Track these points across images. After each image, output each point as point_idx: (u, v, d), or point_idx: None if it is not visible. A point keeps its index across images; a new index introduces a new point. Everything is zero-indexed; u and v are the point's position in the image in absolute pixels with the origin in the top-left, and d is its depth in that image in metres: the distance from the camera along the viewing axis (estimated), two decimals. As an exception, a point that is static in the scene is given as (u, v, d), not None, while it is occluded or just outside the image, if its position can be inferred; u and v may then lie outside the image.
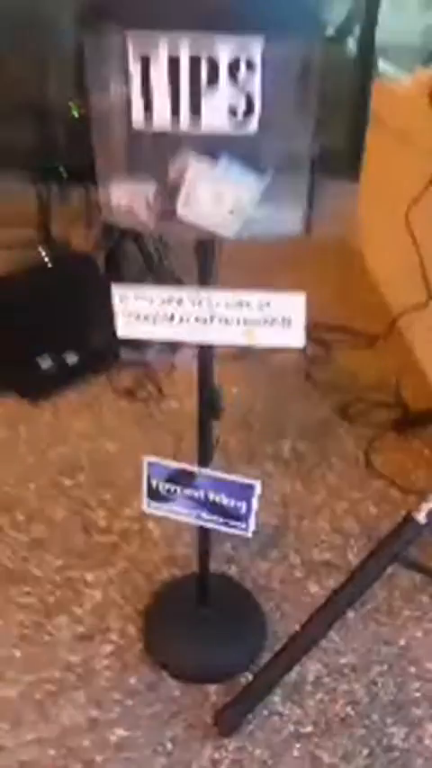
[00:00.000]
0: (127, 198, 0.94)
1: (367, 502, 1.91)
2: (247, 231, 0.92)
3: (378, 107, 3.43)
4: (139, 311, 1.06)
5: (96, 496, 1.90)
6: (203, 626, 1.48)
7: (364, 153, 3.59)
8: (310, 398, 2.39)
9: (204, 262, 1.04)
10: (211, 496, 1.25)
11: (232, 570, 1.67)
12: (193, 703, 1.36)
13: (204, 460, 1.25)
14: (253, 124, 0.86)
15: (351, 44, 4.93)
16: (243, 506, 1.24)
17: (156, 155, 0.91)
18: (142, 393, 2.41)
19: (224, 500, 1.25)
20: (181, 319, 1.05)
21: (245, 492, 1.23)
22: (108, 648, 1.47)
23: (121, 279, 2.76)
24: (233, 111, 0.83)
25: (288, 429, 2.21)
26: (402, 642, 1.50)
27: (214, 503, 1.26)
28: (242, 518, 1.26)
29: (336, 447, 2.14)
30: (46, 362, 2.40)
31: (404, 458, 2.10)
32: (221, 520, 1.27)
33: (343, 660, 1.46)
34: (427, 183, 2.34)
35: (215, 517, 1.27)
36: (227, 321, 1.03)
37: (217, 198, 0.88)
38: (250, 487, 1.22)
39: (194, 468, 1.24)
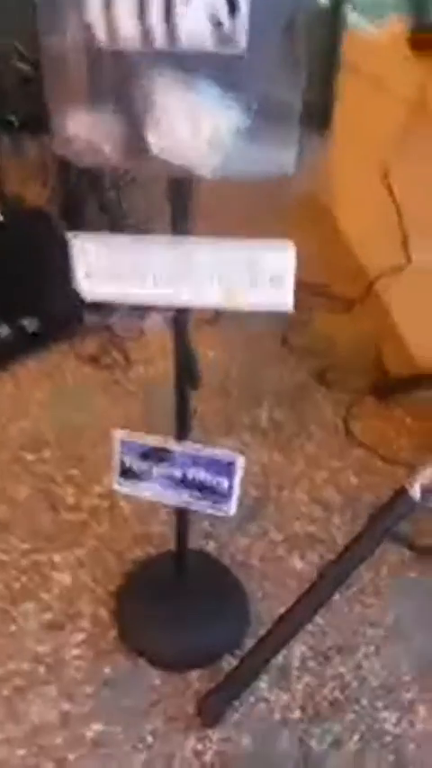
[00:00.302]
0: (86, 130, 0.80)
1: (347, 471, 1.83)
2: (228, 169, 0.78)
3: (352, 57, 3.26)
4: (103, 268, 0.92)
5: (63, 472, 1.78)
6: (182, 608, 1.38)
7: (334, 105, 3.43)
8: (287, 364, 2.29)
9: (178, 206, 0.90)
10: (190, 474, 1.14)
11: (210, 546, 1.58)
12: (174, 692, 1.28)
13: (182, 435, 1.13)
14: (239, 40, 0.72)
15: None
16: (224, 483, 1.14)
17: (120, 78, 0.77)
18: (108, 360, 2.27)
19: (204, 477, 1.14)
20: (154, 278, 0.92)
21: (226, 468, 1.12)
22: (79, 636, 1.37)
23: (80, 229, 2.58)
24: (215, 22, 0.69)
25: (265, 396, 2.11)
26: (389, 621, 1.44)
27: (193, 480, 1.15)
28: (224, 496, 1.16)
29: (314, 414, 2.05)
30: (3, 330, 2.23)
31: (384, 425, 2.02)
32: (201, 499, 1.17)
33: (329, 642, 1.39)
34: (408, 131, 2.21)
35: (194, 496, 1.17)
36: (207, 279, 0.90)
37: (193, 127, 0.74)
38: (232, 463, 1.12)
39: (171, 445, 1.12)
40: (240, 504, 1.65)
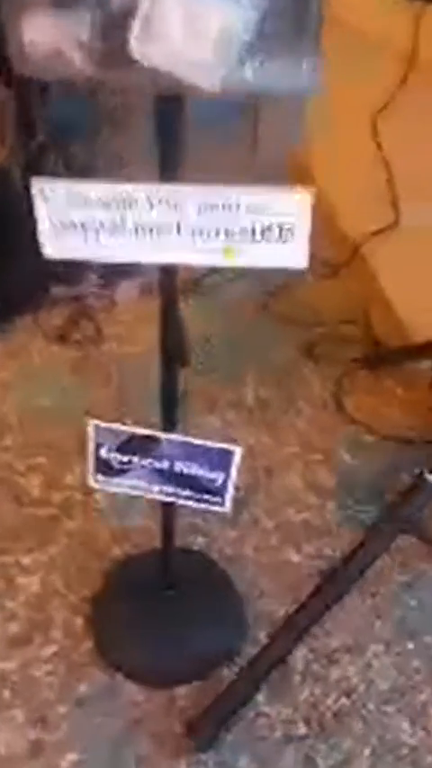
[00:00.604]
0: (50, 35, 0.61)
1: (341, 450, 1.69)
2: (232, 83, 0.60)
3: (336, 8, 3.04)
4: (73, 219, 0.74)
5: (28, 461, 1.59)
6: (168, 614, 1.23)
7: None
8: (271, 336, 2.12)
9: (168, 136, 0.71)
10: (179, 467, 0.97)
11: (198, 541, 1.42)
12: (159, 710, 1.13)
13: (169, 422, 0.96)
14: None
15: None
16: (219, 478, 0.97)
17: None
18: (77, 335, 2.06)
19: (195, 470, 0.97)
20: (135, 231, 0.73)
21: (222, 459, 0.96)
22: (50, 650, 1.20)
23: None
24: None
25: (249, 371, 1.94)
26: (398, 614, 1.31)
27: (182, 474, 0.98)
28: (217, 491, 0.99)
29: (302, 390, 1.89)
30: (-42, 301, 2.01)
31: (377, 399, 1.88)
32: (191, 494, 1.00)
33: (334, 643, 1.25)
34: (398, 84, 2.03)
35: (184, 491, 1.00)
36: (200, 233, 0.72)
37: (194, 27, 0.56)
38: (228, 454, 0.95)
39: (158, 434, 0.95)
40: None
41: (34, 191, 0.73)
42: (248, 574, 1.36)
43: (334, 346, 2.05)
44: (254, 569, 1.37)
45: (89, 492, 1.50)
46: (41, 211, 0.74)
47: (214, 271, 2.38)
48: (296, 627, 1.07)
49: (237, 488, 1.48)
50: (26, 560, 1.35)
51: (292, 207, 0.69)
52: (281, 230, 0.71)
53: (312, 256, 2.34)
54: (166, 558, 1.21)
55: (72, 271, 2.32)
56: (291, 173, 3.18)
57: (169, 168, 0.72)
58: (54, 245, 0.76)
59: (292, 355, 2.03)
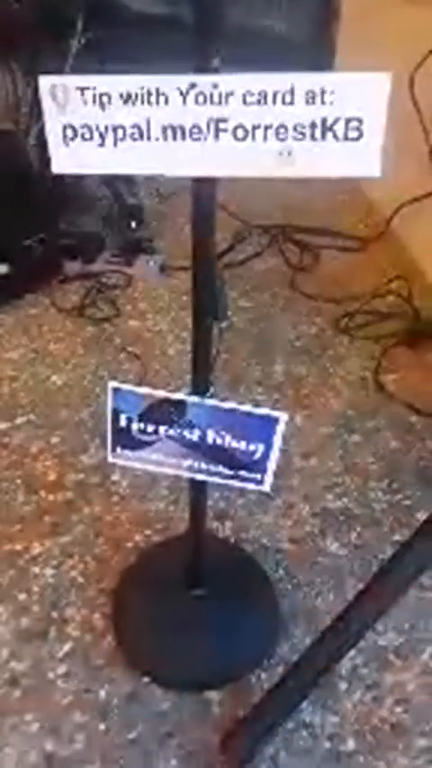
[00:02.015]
0: None
1: (384, 432, 1.54)
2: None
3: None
4: (88, 122, 0.59)
5: (41, 442, 1.46)
6: (196, 610, 1.09)
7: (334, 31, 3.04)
8: (300, 312, 1.97)
9: (202, 23, 0.57)
10: (211, 438, 0.83)
11: (226, 529, 1.28)
12: (191, 719, 0.99)
13: (200, 385, 0.82)
14: None
15: None
16: (259, 450, 0.83)
17: None
18: (93, 311, 1.93)
19: (230, 442, 0.83)
20: (164, 134, 0.59)
21: (262, 429, 0.81)
22: (66, 647, 1.07)
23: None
24: None
25: (278, 348, 1.80)
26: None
27: (215, 446, 0.84)
28: (256, 466, 0.85)
29: (337, 368, 1.75)
30: (-33, 275, 1.88)
31: (420, 376, 1.72)
32: (225, 470, 0.86)
33: (383, 642, 1.10)
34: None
35: (216, 467, 0.86)
36: (246, 131, 0.58)
37: None
38: (271, 421, 0.81)
39: (186, 397, 0.81)
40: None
41: (43, 90, 0.59)
42: (283, 564, 1.21)
43: (368, 321, 1.90)
44: (289, 559, 1.22)
45: (107, 474, 1.37)
46: (52, 115, 0.60)
47: (239, 241, 2.25)
48: (347, 631, 0.92)
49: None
50: (37, 549, 1.22)
51: (364, 94, 0.54)
52: (348, 125, 0.56)
53: (337, 231, 2.19)
54: (195, 548, 1.07)
55: (87, 246, 2.20)
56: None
57: (207, 45, 0.57)
58: (66, 156, 0.62)
59: (324, 331, 1.88)
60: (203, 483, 0.96)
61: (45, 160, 2.13)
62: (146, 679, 1.03)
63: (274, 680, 0.97)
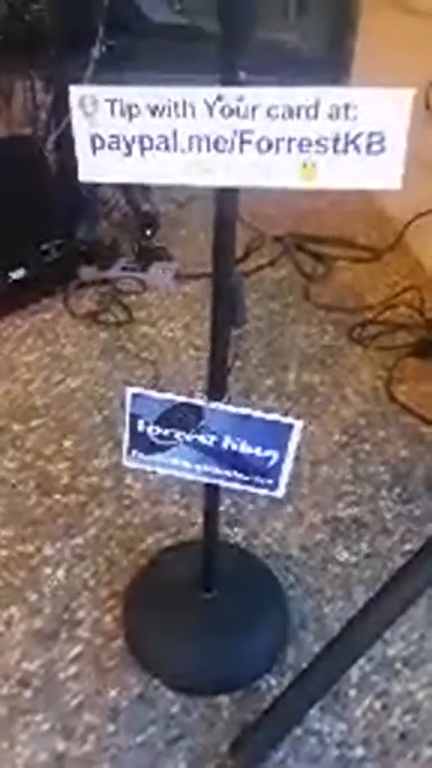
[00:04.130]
0: None
1: (395, 442, 1.54)
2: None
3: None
4: (116, 132, 0.61)
5: (55, 445, 1.48)
6: (207, 614, 1.10)
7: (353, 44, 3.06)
8: (312, 321, 1.98)
9: (230, 37, 0.58)
10: (226, 443, 0.84)
11: (237, 535, 1.29)
12: (200, 723, 1.00)
13: (216, 389, 0.83)
14: None
15: None
16: (273, 456, 0.84)
17: None
18: (107, 317, 1.95)
19: (246, 447, 0.84)
20: (189, 145, 0.61)
21: (277, 435, 0.82)
22: (77, 649, 1.08)
23: (75, 173, 2.25)
24: None
25: (291, 357, 1.81)
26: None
27: (230, 452, 0.85)
28: (271, 472, 0.86)
29: (349, 377, 1.75)
30: (-16, 279, 1.91)
31: (430, 387, 1.73)
32: (240, 476, 0.87)
33: (392, 651, 1.10)
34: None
35: (231, 472, 0.87)
36: (270, 145, 0.59)
37: None
38: (286, 428, 0.82)
39: (203, 402, 0.82)
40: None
41: (74, 100, 0.61)
42: (293, 571, 1.22)
43: (381, 331, 1.91)
44: (299, 566, 1.23)
45: (120, 477, 1.38)
46: (80, 125, 0.62)
47: (253, 250, 2.27)
48: (356, 639, 0.93)
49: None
50: (49, 551, 1.23)
51: (387, 110, 0.56)
52: (370, 139, 0.57)
53: (351, 243, 2.20)
54: (207, 552, 1.08)
55: (102, 252, 2.22)
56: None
57: (231, 68, 0.59)
58: (92, 165, 0.64)
59: (337, 341, 1.89)
60: (217, 487, 0.97)
61: (62, 166, 2.18)
62: (156, 681, 1.04)
63: (284, 686, 0.98)
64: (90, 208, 2.35)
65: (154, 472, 1.39)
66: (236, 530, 1.30)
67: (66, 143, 2.21)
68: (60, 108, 2.17)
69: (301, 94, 0.57)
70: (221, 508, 1.19)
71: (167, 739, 0.97)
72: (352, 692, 1.04)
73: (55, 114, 2.19)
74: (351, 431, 1.57)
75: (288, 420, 0.81)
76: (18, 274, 1.95)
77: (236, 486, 0.88)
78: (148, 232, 2.31)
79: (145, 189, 2.40)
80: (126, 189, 2.36)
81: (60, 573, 1.20)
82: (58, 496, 1.35)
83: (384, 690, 1.05)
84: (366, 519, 1.35)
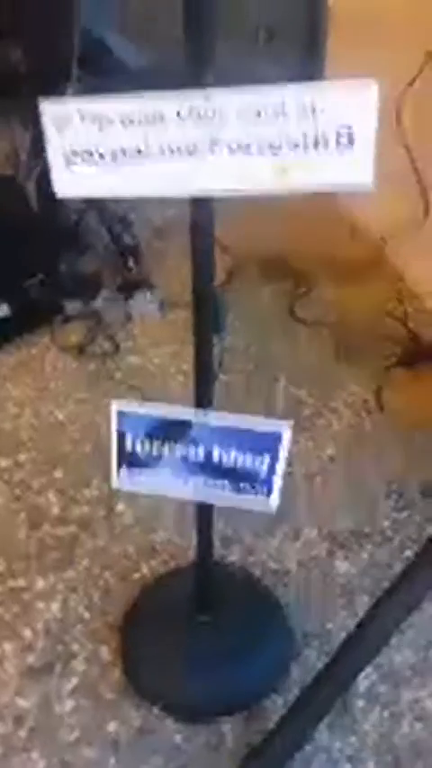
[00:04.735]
0: None
1: (389, 451, 1.53)
2: None
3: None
4: (89, 144, 0.62)
5: (44, 477, 1.45)
6: (206, 638, 1.07)
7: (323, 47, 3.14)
8: (297, 337, 1.99)
9: (198, 27, 0.59)
10: (216, 454, 0.83)
11: (233, 553, 1.26)
12: (205, 751, 0.96)
13: (204, 399, 0.82)
14: None
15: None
16: (263, 465, 0.83)
17: None
18: (93, 348, 1.95)
19: (235, 458, 0.83)
20: (162, 154, 0.61)
21: (267, 443, 0.81)
22: (73, 682, 1.05)
23: (56, 209, 2.27)
24: None
25: (278, 373, 1.81)
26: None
27: (220, 465, 0.84)
28: (262, 484, 0.85)
29: (338, 390, 1.75)
30: (-32, 317, 1.90)
31: (421, 395, 1.72)
32: (231, 488, 0.86)
33: (399, 659, 1.08)
34: (424, 60, 1.92)
35: (222, 485, 0.86)
36: (241, 148, 0.60)
37: None
38: (275, 435, 0.81)
39: (191, 412, 0.81)
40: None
41: (45, 115, 0.62)
42: (292, 587, 1.19)
43: (366, 345, 1.92)
44: (298, 581, 1.21)
45: (111, 506, 1.36)
46: (52, 139, 0.62)
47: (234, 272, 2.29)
48: (360, 648, 0.90)
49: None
50: (41, 584, 1.20)
51: (353, 102, 0.57)
52: (339, 134, 0.58)
53: (331, 259, 2.21)
54: (202, 574, 1.06)
55: (87, 285, 2.23)
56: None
57: (201, 64, 0.59)
58: (67, 180, 0.64)
59: (323, 356, 1.90)
60: (210, 504, 0.95)
61: (43, 204, 2.20)
62: (156, 711, 1.00)
63: (290, 704, 0.95)
64: (72, 242, 2.37)
65: (146, 498, 1.38)
66: (232, 548, 1.27)
67: (46, 181, 2.25)
68: (39, 147, 2.21)
69: (267, 93, 0.58)
70: (216, 528, 1.17)
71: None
72: (360, 703, 1.02)
73: (34, 153, 2.23)
74: (343, 442, 1.56)
75: (276, 427, 0.80)
76: (2, 311, 1.95)
77: (228, 501, 0.87)
78: (131, 263, 2.33)
79: (126, 223, 2.43)
80: (106, 222, 2.38)
81: (54, 606, 1.17)
82: (48, 528, 1.32)
83: (393, 699, 1.02)
84: (364, 529, 1.33)
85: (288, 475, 1.41)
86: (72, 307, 2.13)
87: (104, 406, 1.66)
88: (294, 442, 1.50)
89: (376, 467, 1.48)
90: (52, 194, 2.12)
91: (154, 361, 1.90)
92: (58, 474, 1.46)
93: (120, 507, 1.36)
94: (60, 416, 1.66)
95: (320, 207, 2.81)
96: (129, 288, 2.24)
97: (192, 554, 1.21)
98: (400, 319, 1.98)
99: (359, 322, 1.99)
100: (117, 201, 2.39)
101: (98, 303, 2.16)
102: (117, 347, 1.95)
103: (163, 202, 0.67)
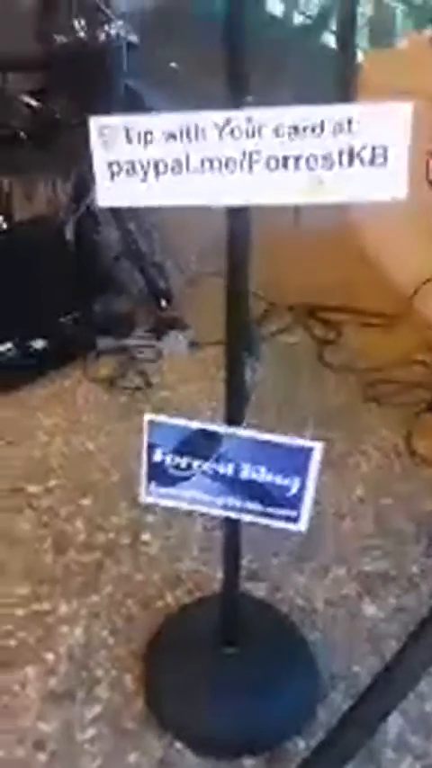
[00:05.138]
0: None
1: (418, 496, 1.50)
2: None
3: (373, 75, 3.13)
4: (132, 158, 0.65)
5: (72, 505, 1.46)
6: (231, 672, 1.04)
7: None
8: (327, 382, 1.99)
9: (234, 62, 0.63)
10: (245, 472, 0.83)
11: (260, 588, 1.24)
12: (226, 788, 0.92)
13: (234, 418, 0.83)
14: None
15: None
16: (294, 484, 0.83)
17: None
18: (125, 383, 1.98)
19: (265, 476, 0.83)
20: (202, 167, 0.65)
21: (297, 461, 0.81)
22: (95, 710, 1.02)
23: (93, 250, 2.35)
24: None
25: (307, 415, 1.81)
26: None
27: (249, 482, 0.84)
28: (292, 503, 0.84)
29: (367, 434, 1.74)
30: (6, 349, 1.96)
31: (451, 442, 1.70)
32: (260, 507, 0.85)
33: (428, 707, 1.03)
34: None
35: (251, 504, 0.85)
36: (278, 162, 0.63)
37: None
38: (305, 453, 0.81)
39: (221, 427, 0.82)
40: (292, 537, 1.35)
41: (93, 130, 0.66)
42: (319, 627, 1.16)
43: (396, 390, 1.91)
44: (325, 621, 1.17)
45: (137, 534, 1.36)
46: (99, 154, 0.66)
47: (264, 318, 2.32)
48: (388, 690, 0.87)
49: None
50: (65, 609, 1.19)
51: (388, 123, 0.59)
52: (374, 153, 0.60)
53: (360, 309, 2.24)
54: (229, 604, 1.04)
55: (120, 324, 2.29)
56: (334, 223, 3.18)
57: (238, 87, 0.64)
58: (111, 191, 0.67)
59: (351, 399, 1.90)
60: (237, 528, 0.94)
61: (81, 247, 2.29)
62: (178, 744, 0.97)
63: (314, 747, 0.91)
64: (107, 284, 2.45)
65: (172, 528, 1.37)
66: (259, 584, 1.25)
67: (84, 225, 2.35)
68: (79, 193, 2.32)
69: (306, 113, 0.61)
70: (243, 562, 1.16)
71: (192, 806, 0.90)
72: (390, 754, 0.97)
73: (74, 198, 2.34)
74: (372, 484, 1.54)
75: (308, 443, 0.80)
76: (38, 345, 2.00)
77: (256, 518, 0.86)
78: (164, 304, 2.39)
79: (160, 267, 2.51)
80: (141, 266, 2.46)
81: (77, 631, 1.15)
82: (74, 554, 1.32)
83: (425, 750, 0.97)
84: (393, 573, 1.29)
85: (317, 514, 1.42)
86: (104, 343, 2.18)
87: (134, 437, 1.70)
88: (323, 481, 1.52)
89: (406, 510, 1.45)
90: (89, 238, 2.20)
91: (184, 396, 1.92)
92: (85, 501, 1.47)
93: (146, 536, 1.35)
94: (90, 446, 1.68)
95: (350, 258, 2.89)
96: (161, 328, 2.30)
97: (217, 585, 1.20)
98: (430, 366, 1.98)
99: (388, 368, 2.00)
100: (153, 252, 2.48)
101: (130, 340, 2.22)
102: (148, 382, 1.98)
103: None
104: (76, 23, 2.14)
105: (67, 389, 1.95)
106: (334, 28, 4.83)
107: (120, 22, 2.21)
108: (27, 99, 2.44)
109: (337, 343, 2.23)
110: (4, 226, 2.03)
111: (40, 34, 2.20)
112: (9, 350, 1.96)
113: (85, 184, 2.36)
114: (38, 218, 2.23)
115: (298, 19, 5.31)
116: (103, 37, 2.15)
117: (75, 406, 1.86)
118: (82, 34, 2.14)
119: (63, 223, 2.28)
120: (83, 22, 2.17)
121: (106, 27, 2.18)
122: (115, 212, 2.39)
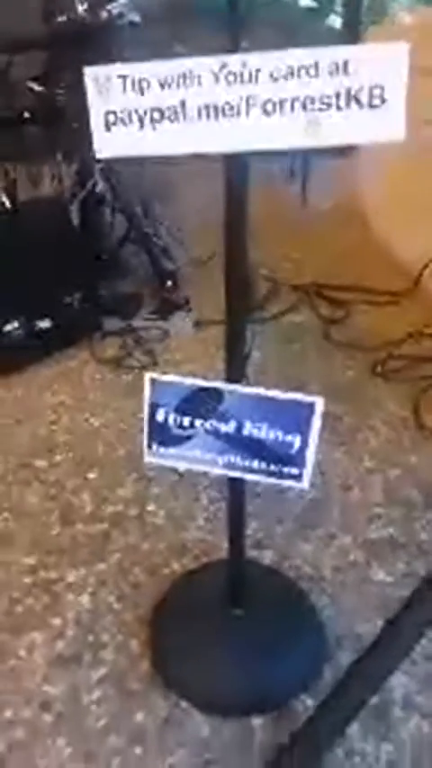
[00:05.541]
0: None
1: (428, 466, 1.50)
2: None
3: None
4: (129, 105, 0.65)
5: (78, 478, 1.47)
6: (237, 633, 1.04)
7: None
8: (334, 358, 1.99)
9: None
10: (247, 428, 0.83)
11: (266, 556, 1.24)
12: (232, 746, 0.93)
13: (235, 374, 0.83)
14: None
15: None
16: (296, 440, 0.83)
17: None
18: (131, 362, 1.98)
19: (267, 432, 0.83)
20: (198, 114, 0.64)
21: (298, 416, 0.81)
22: (101, 672, 1.03)
23: (98, 232, 2.35)
24: None
25: (315, 391, 1.79)
26: None
27: (251, 439, 0.84)
28: (294, 460, 0.84)
29: (375, 408, 1.73)
30: (13, 329, 1.97)
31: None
32: (263, 465, 0.85)
33: (436, 668, 1.03)
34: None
35: (253, 462, 0.85)
36: (275, 106, 0.62)
37: None
38: (306, 408, 0.81)
39: (222, 385, 0.82)
40: (295, 505, 1.35)
41: (88, 80, 0.66)
42: (327, 592, 1.16)
43: (403, 365, 1.90)
44: (333, 587, 1.17)
45: (143, 505, 1.36)
46: (96, 104, 0.66)
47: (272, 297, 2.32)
48: (391, 649, 0.87)
49: (304, 503, 1.34)
50: (72, 577, 1.20)
51: (384, 63, 0.59)
52: (371, 93, 0.60)
53: (367, 287, 2.22)
54: (235, 568, 1.04)
55: (126, 304, 2.29)
56: (341, 203, 3.16)
57: (234, 38, 0.63)
58: (108, 141, 0.67)
59: (359, 375, 1.89)
60: (242, 488, 0.95)
61: (86, 227, 2.28)
62: (184, 704, 0.97)
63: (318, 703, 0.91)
64: (113, 264, 2.45)
65: (177, 498, 1.38)
66: (265, 552, 1.25)
67: (88, 206, 2.35)
68: (82, 175, 2.32)
69: (301, 55, 0.61)
70: (249, 531, 1.16)
71: (199, 763, 0.90)
72: (397, 712, 0.97)
73: (79, 181, 2.34)
74: (380, 456, 1.54)
75: (308, 398, 0.80)
76: (44, 325, 2.01)
77: (259, 477, 0.86)
78: (169, 284, 2.39)
79: (165, 248, 2.51)
80: (147, 248, 2.46)
81: (84, 598, 1.16)
82: (81, 526, 1.33)
83: (430, 707, 0.97)
84: (401, 540, 1.29)
85: (323, 485, 1.42)
86: (110, 323, 2.19)
87: (139, 414, 1.70)
88: (329, 455, 1.51)
89: (414, 480, 1.45)
90: (94, 218, 2.19)
91: (189, 374, 1.91)
92: (92, 475, 1.47)
93: (151, 507, 1.36)
94: (96, 423, 1.68)
95: (357, 237, 2.87)
96: (166, 308, 2.30)
97: (223, 553, 1.20)
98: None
99: (395, 345, 1.98)
100: (158, 234, 2.48)
101: (136, 321, 2.22)
102: (154, 360, 1.98)
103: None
104: (77, 2, 2.13)
105: (73, 369, 1.96)
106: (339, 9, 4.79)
107: (122, 1, 2.20)
108: (30, 84, 2.44)
109: (343, 322, 2.22)
110: (9, 205, 2.03)
111: (43, 13, 2.19)
112: (15, 329, 1.96)
113: (88, 167, 2.36)
114: (43, 199, 2.23)
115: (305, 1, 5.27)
116: (104, 15, 2.14)
117: (81, 385, 1.87)
118: (84, 13, 2.13)
119: (68, 204, 2.29)
120: (84, 2, 2.16)
121: (108, 6, 2.17)
122: (119, 193, 2.39)
